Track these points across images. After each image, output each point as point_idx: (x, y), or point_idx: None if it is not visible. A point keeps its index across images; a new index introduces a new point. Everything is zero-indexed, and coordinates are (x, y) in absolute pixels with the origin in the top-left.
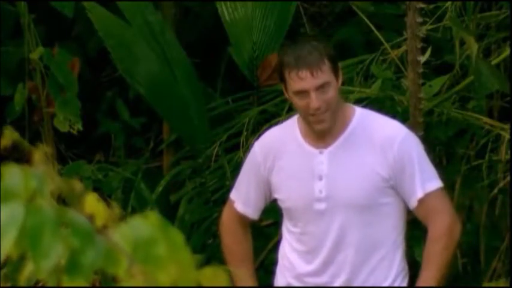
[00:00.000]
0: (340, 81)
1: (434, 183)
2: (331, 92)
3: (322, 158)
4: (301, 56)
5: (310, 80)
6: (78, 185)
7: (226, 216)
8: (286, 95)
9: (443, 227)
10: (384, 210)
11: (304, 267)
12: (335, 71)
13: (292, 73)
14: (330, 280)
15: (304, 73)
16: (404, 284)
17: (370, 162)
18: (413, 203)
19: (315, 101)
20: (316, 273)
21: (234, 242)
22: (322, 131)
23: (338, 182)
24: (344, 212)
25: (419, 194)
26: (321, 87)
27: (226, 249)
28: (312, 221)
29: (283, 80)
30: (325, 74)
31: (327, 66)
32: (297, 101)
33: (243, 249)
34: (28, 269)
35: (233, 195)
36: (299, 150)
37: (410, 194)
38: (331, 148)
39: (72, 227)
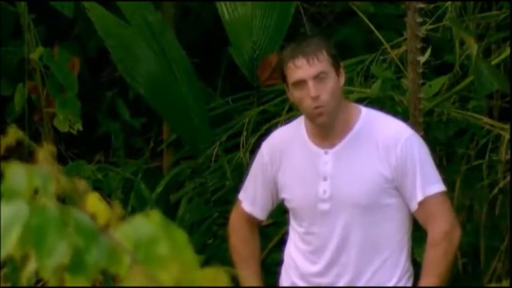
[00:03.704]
0: (342, 79)
1: (436, 187)
2: (330, 84)
3: (327, 158)
4: (298, 47)
5: (307, 68)
6: (82, 185)
7: (233, 216)
8: (289, 96)
9: (441, 233)
10: (388, 211)
11: (308, 267)
12: (335, 66)
13: (289, 63)
14: (334, 280)
15: (300, 61)
16: (409, 285)
17: (374, 163)
18: (413, 206)
19: (312, 89)
20: (320, 273)
21: (240, 243)
22: (323, 125)
23: (342, 182)
24: (348, 213)
25: (419, 197)
26: (319, 77)
27: (232, 249)
28: (316, 221)
29: (284, 78)
30: (322, 64)
31: (324, 57)
32: (297, 95)
33: (249, 249)
34: (29, 267)
35: (241, 195)
36: (304, 150)
37: (411, 196)
38: (336, 148)
39: (76, 226)
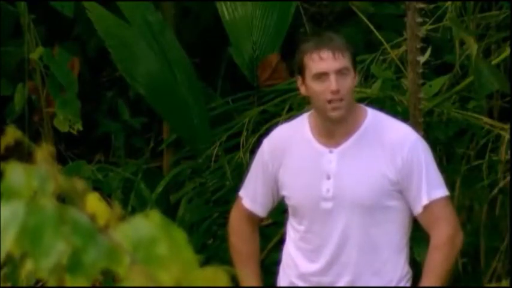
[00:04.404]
0: (356, 80)
1: (440, 191)
2: (349, 81)
3: (332, 157)
4: (323, 40)
5: (332, 62)
6: (80, 184)
7: (233, 213)
8: (301, 90)
9: (444, 236)
10: (389, 213)
11: (308, 266)
12: (354, 66)
13: (314, 54)
14: (334, 280)
15: (326, 54)
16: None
17: (379, 164)
18: (417, 209)
19: (334, 83)
20: (320, 272)
21: (240, 242)
22: (335, 121)
23: (346, 181)
24: (349, 212)
25: (424, 201)
26: (341, 72)
27: (232, 248)
28: (317, 220)
29: (300, 69)
30: (346, 60)
31: (348, 55)
32: (315, 86)
33: (248, 249)
34: (28, 267)
35: (241, 192)
36: (308, 148)
37: (416, 199)
38: (341, 147)
39: (73, 225)
